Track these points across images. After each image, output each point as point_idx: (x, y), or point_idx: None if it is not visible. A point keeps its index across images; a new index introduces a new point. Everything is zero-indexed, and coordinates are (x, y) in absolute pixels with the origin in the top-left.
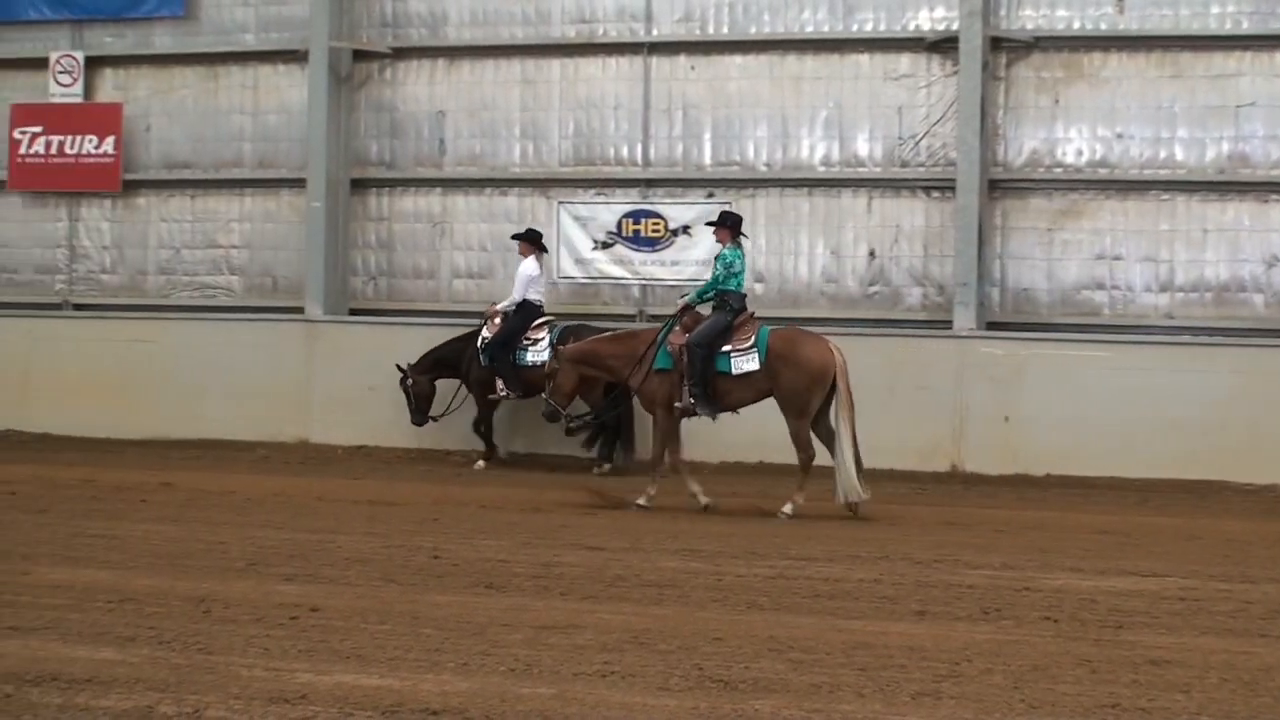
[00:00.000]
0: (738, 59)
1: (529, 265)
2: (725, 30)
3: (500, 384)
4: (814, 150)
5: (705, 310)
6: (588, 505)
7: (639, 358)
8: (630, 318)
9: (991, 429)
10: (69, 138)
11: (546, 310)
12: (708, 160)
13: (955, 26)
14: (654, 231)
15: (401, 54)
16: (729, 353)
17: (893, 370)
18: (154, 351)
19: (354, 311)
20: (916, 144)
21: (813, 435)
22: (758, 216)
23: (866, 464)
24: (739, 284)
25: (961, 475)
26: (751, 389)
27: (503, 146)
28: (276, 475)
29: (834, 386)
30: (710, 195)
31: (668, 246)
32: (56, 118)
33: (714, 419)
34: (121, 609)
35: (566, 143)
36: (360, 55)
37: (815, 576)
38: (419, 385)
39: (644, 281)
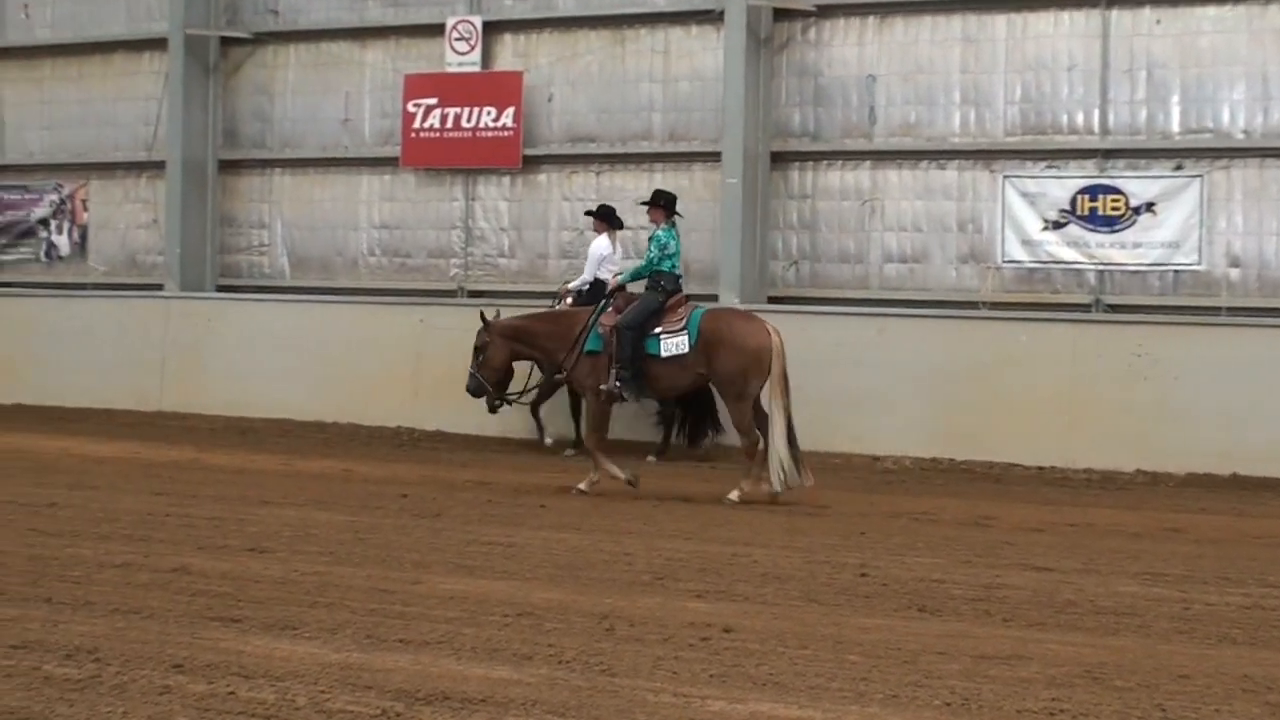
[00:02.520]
0: (1210, 10)
1: (601, 243)
2: None
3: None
4: None
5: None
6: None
7: (572, 339)
8: (1085, 307)
9: None
10: (466, 110)
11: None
12: (1175, 127)
13: None
14: (1113, 209)
15: (827, 12)
16: (659, 335)
17: None
18: None
19: (773, 300)
20: None
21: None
22: (1233, 191)
23: None
24: (673, 265)
25: None
26: (685, 373)
27: (940, 114)
28: (688, 479)
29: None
30: (1178, 167)
31: (1128, 226)
32: (453, 88)
33: (638, 403)
34: (518, 624)
35: (1013, 109)
36: (781, 14)
37: None
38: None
39: (1101, 266)
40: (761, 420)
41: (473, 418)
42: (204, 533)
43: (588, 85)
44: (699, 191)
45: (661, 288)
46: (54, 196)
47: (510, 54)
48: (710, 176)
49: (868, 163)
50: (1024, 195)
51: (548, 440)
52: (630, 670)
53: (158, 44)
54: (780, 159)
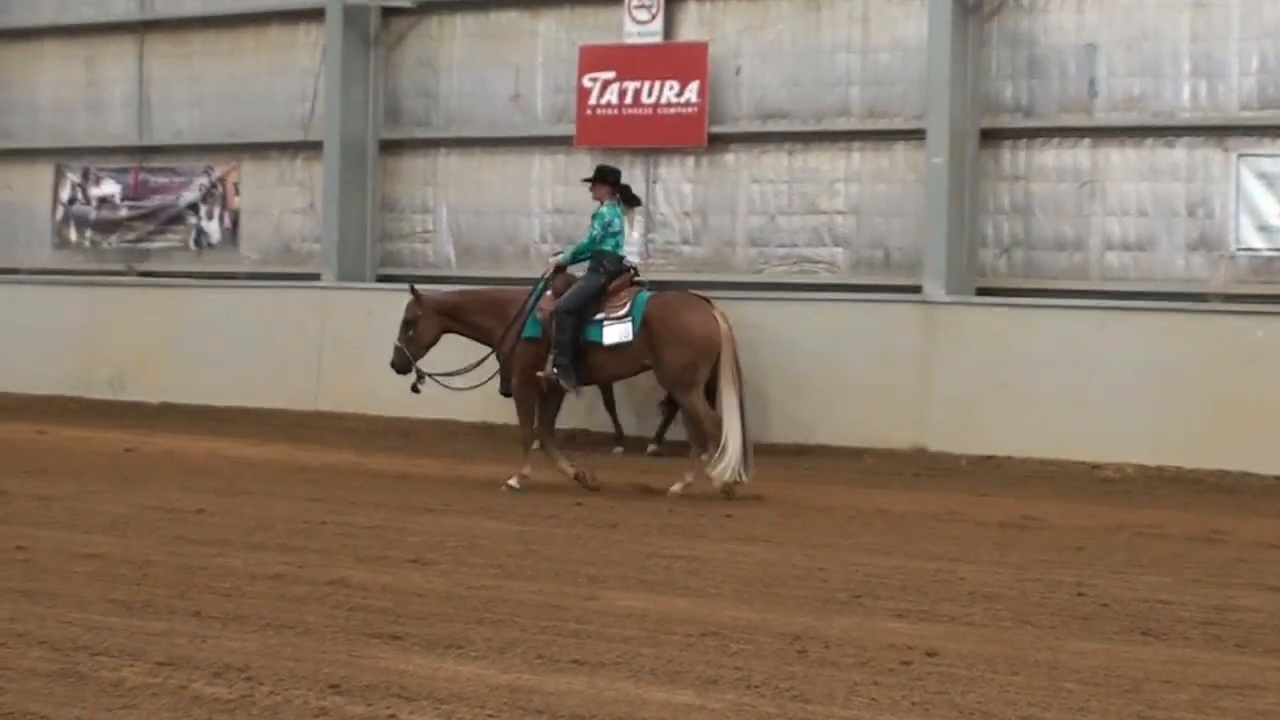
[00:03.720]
0: None
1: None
2: None
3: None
4: None
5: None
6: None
7: (509, 320)
8: None
9: None
10: (646, 84)
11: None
12: None
13: None
14: None
15: None
16: (601, 321)
17: None
18: (742, 338)
19: (981, 291)
20: None
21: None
22: None
23: None
24: (617, 244)
25: None
26: (628, 361)
27: (1167, 86)
28: (886, 489)
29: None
30: None
31: None
32: (632, 61)
33: (577, 394)
34: (702, 644)
35: (1248, 80)
36: None
37: None
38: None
39: None
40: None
41: (652, 419)
42: (363, 543)
43: (779, 57)
44: (901, 173)
45: (604, 269)
46: (204, 180)
47: (695, 23)
48: (914, 156)
49: (1087, 140)
50: (1261, 176)
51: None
52: (824, 696)
53: (314, 15)
54: (990, 136)
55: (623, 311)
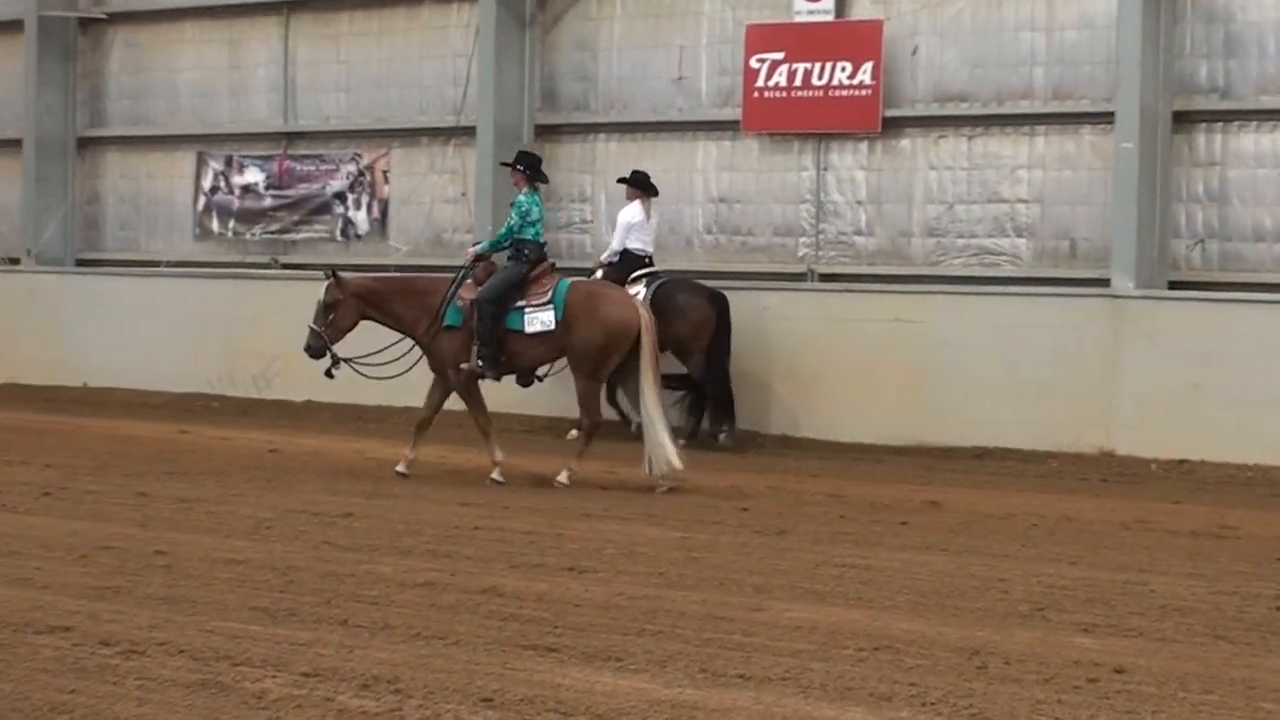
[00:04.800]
0: None
1: (631, 211)
2: None
3: None
4: None
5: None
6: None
7: (430, 309)
8: None
9: None
10: (817, 65)
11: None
12: None
13: None
14: None
15: None
16: (523, 309)
17: None
18: (919, 334)
19: (1174, 285)
20: None
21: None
22: None
23: None
24: (537, 233)
25: None
26: (550, 349)
27: None
28: (1071, 495)
29: (636, 350)
30: None
31: None
32: (802, 41)
33: (498, 380)
34: (875, 659)
35: None
36: None
37: None
38: None
39: None
40: (635, 398)
41: (825, 420)
42: (517, 549)
43: (958, 35)
44: (1088, 158)
45: (525, 258)
46: (352, 167)
47: (868, 0)
48: (1101, 141)
49: None
50: None
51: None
52: (1005, 715)
53: None
54: (1183, 120)
55: (544, 299)
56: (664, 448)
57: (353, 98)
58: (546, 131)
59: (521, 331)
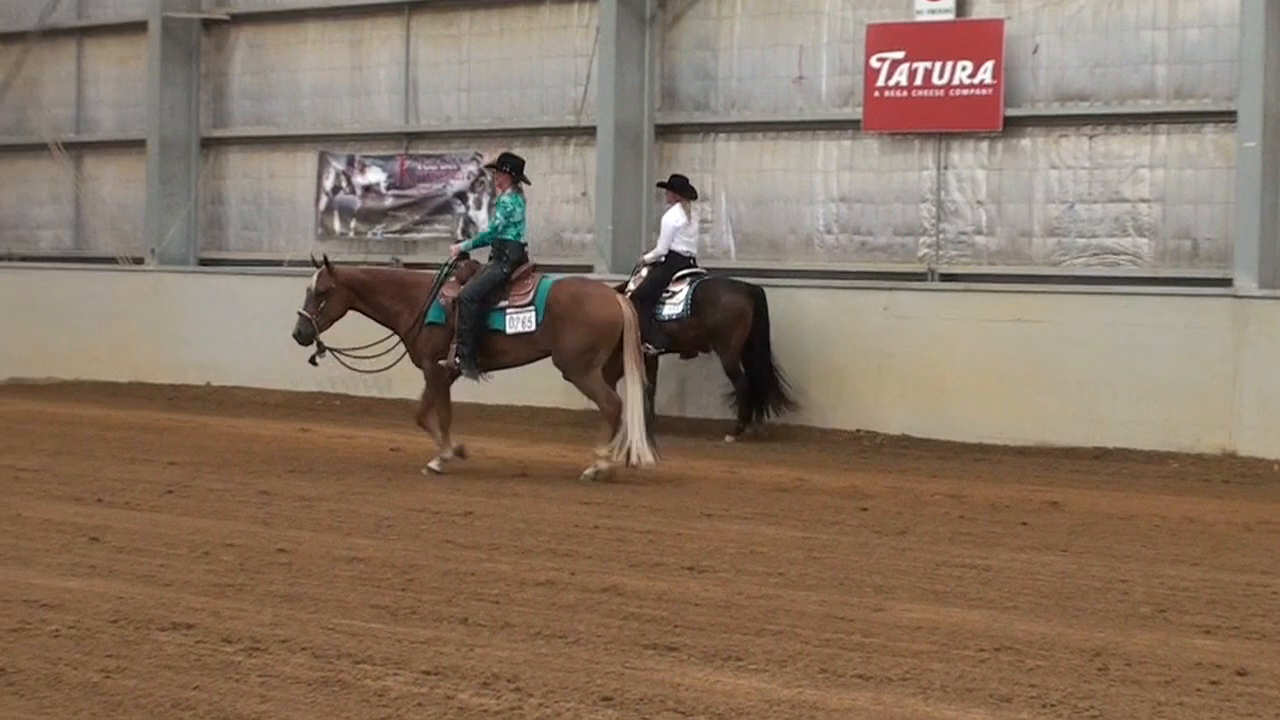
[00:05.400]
0: None
1: (674, 215)
2: None
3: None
4: None
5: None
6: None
7: (415, 305)
8: None
9: None
10: (938, 64)
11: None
12: None
13: None
14: None
15: None
16: (505, 309)
17: None
18: (1039, 334)
19: None
20: None
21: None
22: None
23: None
24: (519, 233)
25: None
26: (531, 348)
27: None
28: (1193, 496)
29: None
30: None
31: None
32: (922, 40)
33: (478, 380)
34: (995, 660)
35: None
36: None
37: None
38: None
39: None
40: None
41: (946, 420)
42: (637, 548)
43: (1079, 34)
44: (1210, 158)
45: (506, 258)
46: (472, 167)
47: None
48: (1224, 140)
49: None
50: None
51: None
52: (1126, 717)
53: None
54: None
55: (526, 300)
56: (640, 441)
57: (473, 97)
58: (666, 131)
59: (503, 332)
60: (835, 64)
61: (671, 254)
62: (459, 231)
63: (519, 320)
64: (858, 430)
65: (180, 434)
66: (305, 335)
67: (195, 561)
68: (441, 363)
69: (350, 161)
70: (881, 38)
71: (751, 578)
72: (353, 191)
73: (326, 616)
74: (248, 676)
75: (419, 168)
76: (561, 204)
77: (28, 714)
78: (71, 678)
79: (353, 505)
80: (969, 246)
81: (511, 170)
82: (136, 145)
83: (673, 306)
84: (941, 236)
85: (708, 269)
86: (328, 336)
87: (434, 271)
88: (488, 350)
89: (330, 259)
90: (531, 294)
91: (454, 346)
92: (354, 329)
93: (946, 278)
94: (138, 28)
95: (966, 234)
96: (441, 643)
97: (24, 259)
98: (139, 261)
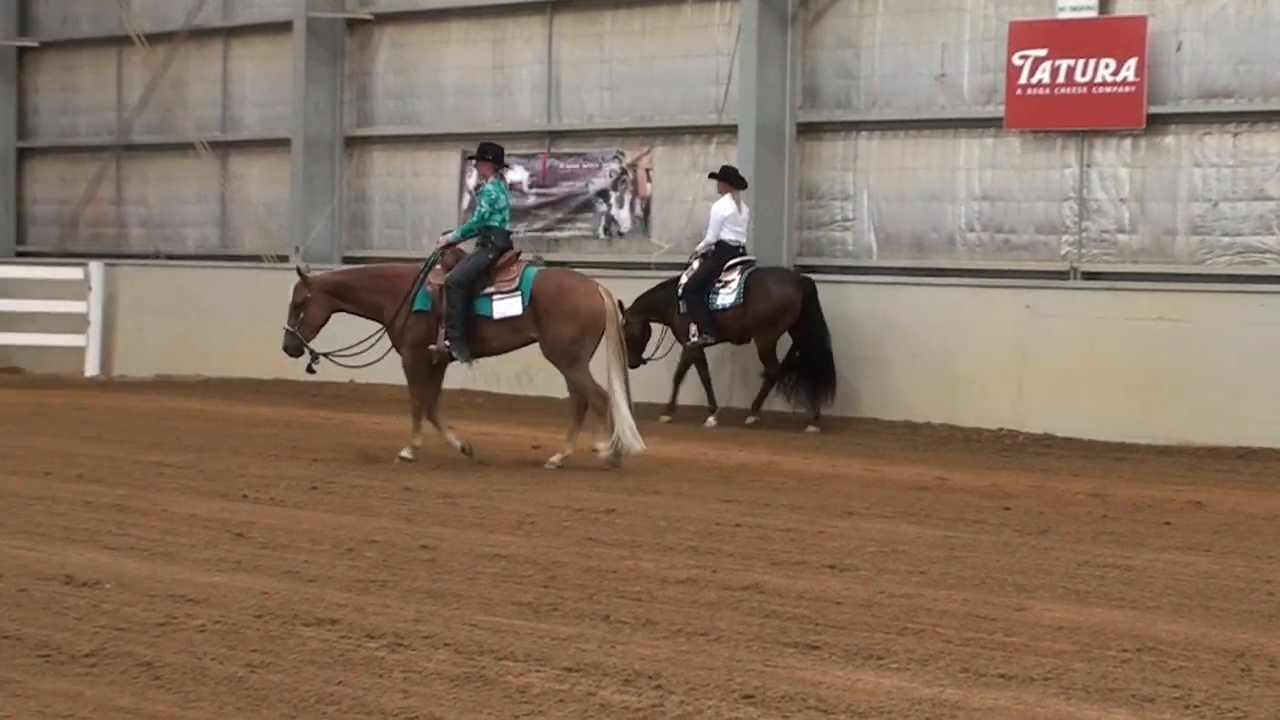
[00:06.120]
0: None
1: (723, 205)
2: None
3: (694, 329)
4: None
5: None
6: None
7: (398, 295)
8: None
9: None
10: (1079, 62)
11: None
12: None
13: None
14: None
15: None
16: (491, 295)
17: None
18: (1182, 333)
19: None
20: None
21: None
22: None
23: None
24: (503, 220)
25: None
26: (516, 334)
27: None
28: None
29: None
30: None
31: None
32: (1065, 37)
33: (469, 365)
34: (1138, 660)
35: None
36: None
37: None
38: (631, 327)
39: None
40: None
41: (1088, 419)
42: (778, 546)
43: (1223, 30)
44: None
45: (491, 245)
46: (614, 165)
47: None
48: None
49: None
50: None
51: (665, 418)
52: (1270, 718)
53: None
54: None
55: (512, 286)
56: (627, 431)
57: (615, 96)
58: (808, 130)
59: (490, 317)
60: (977, 61)
61: (721, 244)
62: (600, 230)
63: (505, 306)
64: (999, 429)
65: (324, 431)
66: (291, 347)
67: (339, 557)
68: (431, 348)
69: None
70: (1024, 35)
71: (893, 576)
72: None
73: (469, 613)
74: (391, 672)
75: (561, 166)
76: (703, 202)
77: (173, 708)
78: (217, 672)
79: (495, 502)
80: (1111, 245)
81: (493, 158)
82: (281, 144)
83: (726, 295)
84: (1084, 235)
85: (843, 266)
86: (333, 340)
87: (416, 264)
88: (475, 336)
89: (306, 269)
90: (517, 280)
91: (443, 331)
92: (355, 330)
93: (1089, 276)
94: (283, 27)
95: (1109, 232)
96: (583, 640)
97: (170, 257)
98: (283, 259)
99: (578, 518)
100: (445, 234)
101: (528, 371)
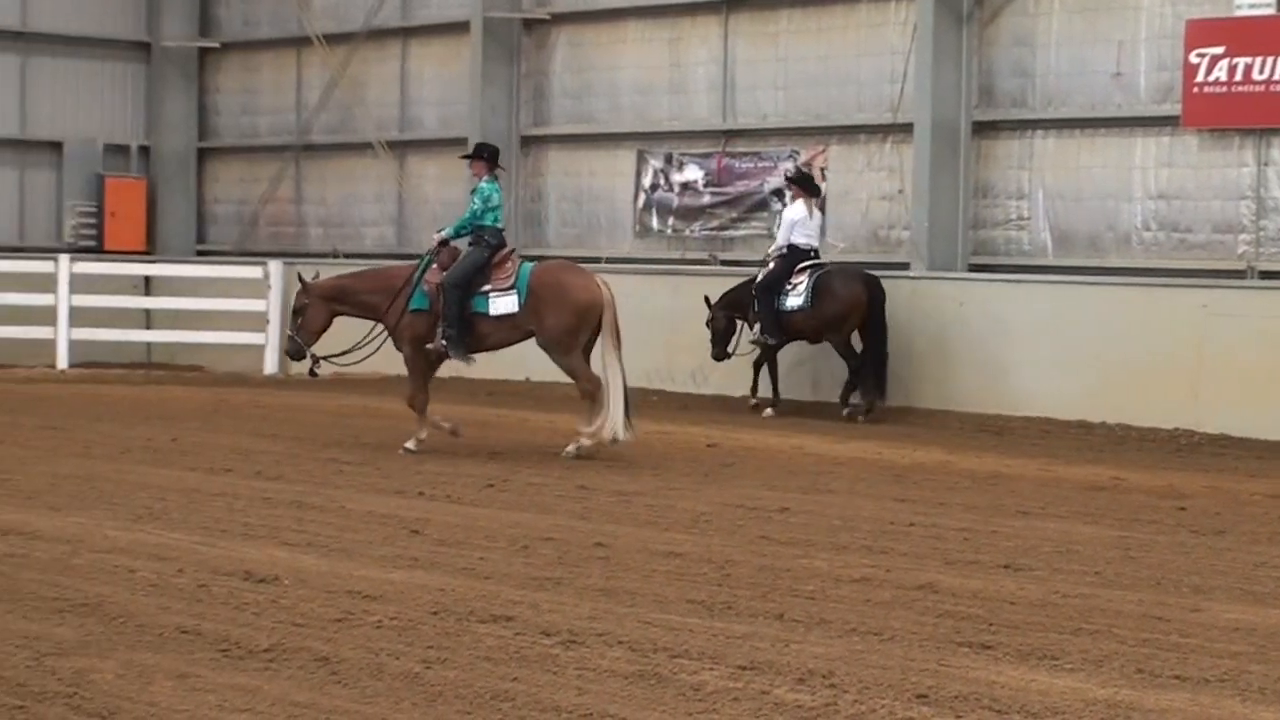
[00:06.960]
0: None
1: (795, 209)
2: None
3: (758, 328)
4: None
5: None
6: None
7: (395, 295)
8: None
9: None
10: (1258, 60)
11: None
12: None
13: None
14: None
15: None
16: (487, 293)
17: None
18: None
19: None
20: None
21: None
22: None
23: None
24: (496, 219)
25: None
26: (514, 330)
27: None
28: None
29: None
30: None
31: None
32: (1243, 35)
33: (467, 363)
34: None
35: None
36: None
37: None
38: (717, 321)
39: None
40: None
41: (1266, 419)
42: (952, 546)
43: None
44: None
45: (486, 243)
46: (789, 165)
47: None
48: None
49: None
50: None
51: (753, 401)
52: None
53: None
54: None
55: (508, 283)
56: (618, 419)
57: (790, 95)
58: (983, 128)
59: (486, 314)
60: (1154, 60)
61: (792, 247)
62: (774, 228)
63: (501, 303)
64: (1175, 429)
65: (500, 429)
66: (293, 351)
67: (514, 555)
68: (429, 346)
69: (668, 159)
70: (1201, 33)
71: (1067, 576)
72: (670, 189)
73: (643, 610)
74: (565, 669)
75: (736, 165)
76: (878, 201)
77: (350, 703)
78: (393, 668)
79: (669, 500)
80: None
81: (488, 158)
82: (458, 144)
83: (795, 297)
84: (1262, 234)
85: (1018, 265)
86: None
87: (412, 264)
88: (472, 333)
89: (307, 278)
90: (513, 277)
91: (440, 329)
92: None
93: (1266, 275)
94: (460, 28)
95: None
96: (757, 638)
97: (349, 256)
98: None
99: (752, 516)
100: (439, 231)
101: (702, 369)
